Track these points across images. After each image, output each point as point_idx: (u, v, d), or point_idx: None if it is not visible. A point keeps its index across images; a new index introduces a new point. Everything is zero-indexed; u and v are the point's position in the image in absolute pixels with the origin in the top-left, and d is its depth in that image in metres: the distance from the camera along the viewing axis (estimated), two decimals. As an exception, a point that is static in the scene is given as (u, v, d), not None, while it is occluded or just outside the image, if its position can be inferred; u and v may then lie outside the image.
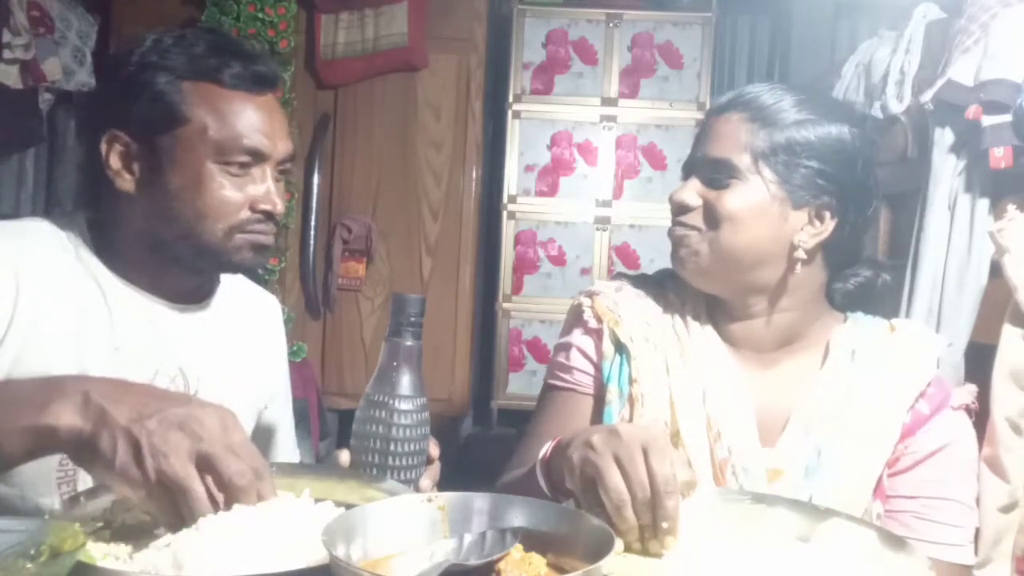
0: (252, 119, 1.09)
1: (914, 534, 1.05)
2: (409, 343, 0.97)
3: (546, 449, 1.00)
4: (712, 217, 1.11)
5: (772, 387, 1.13)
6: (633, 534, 0.84)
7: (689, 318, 1.17)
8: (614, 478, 0.84)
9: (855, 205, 1.11)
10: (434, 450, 1.01)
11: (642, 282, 1.23)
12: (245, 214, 1.10)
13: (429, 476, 0.99)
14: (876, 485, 1.08)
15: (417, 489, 0.97)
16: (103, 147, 1.09)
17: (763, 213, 1.10)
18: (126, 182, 1.09)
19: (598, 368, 1.18)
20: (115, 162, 1.09)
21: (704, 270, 1.13)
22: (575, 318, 1.22)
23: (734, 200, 1.10)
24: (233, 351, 1.22)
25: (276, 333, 1.35)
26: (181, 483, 0.77)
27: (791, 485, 1.07)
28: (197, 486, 0.77)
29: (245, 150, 1.08)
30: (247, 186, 1.10)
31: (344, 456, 0.98)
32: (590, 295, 1.21)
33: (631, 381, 1.14)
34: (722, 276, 1.13)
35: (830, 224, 1.10)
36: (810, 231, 1.10)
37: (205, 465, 0.78)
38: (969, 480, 1.12)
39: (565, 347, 1.22)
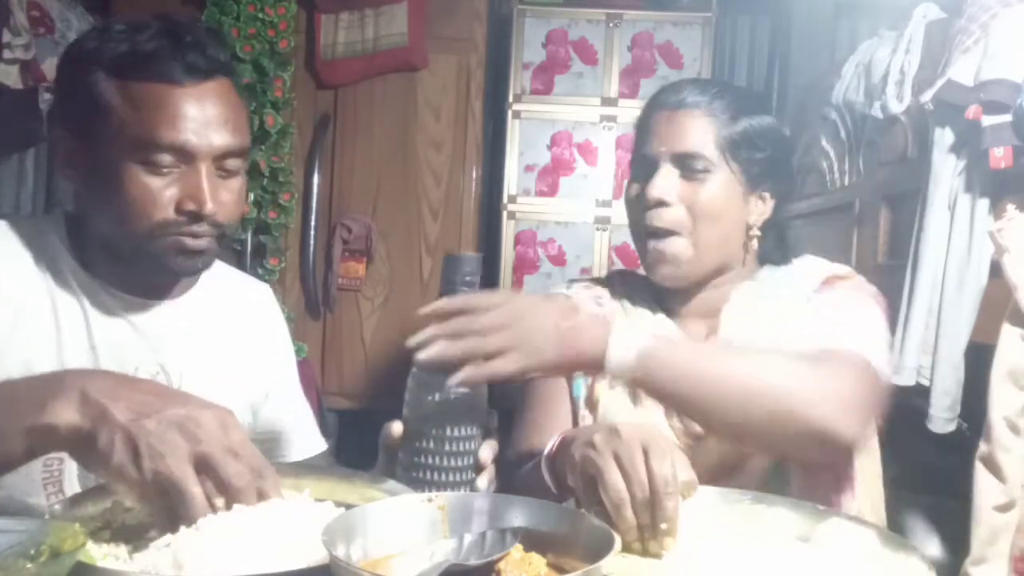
0: (175, 112, 1.01)
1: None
2: None
3: (551, 445, 1.00)
4: (693, 212, 1.19)
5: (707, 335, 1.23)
6: (632, 534, 0.84)
7: (639, 303, 1.28)
8: (614, 477, 0.84)
9: (785, 184, 1.27)
10: (488, 453, 0.94)
11: (591, 280, 1.37)
12: (169, 215, 1.03)
13: (487, 476, 0.94)
14: None
15: (472, 478, 0.93)
16: (54, 145, 1.08)
17: (734, 203, 1.21)
18: (69, 180, 1.07)
19: None
20: (60, 159, 1.07)
21: (687, 274, 1.22)
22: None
23: (714, 192, 1.19)
24: (218, 345, 1.19)
25: (270, 323, 1.31)
26: (178, 484, 0.76)
27: None
28: (194, 488, 0.76)
29: (164, 147, 1.01)
30: (174, 184, 1.03)
31: (396, 427, 0.96)
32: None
33: None
34: (700, 272, 1.23)
35: (770, 203, 1.24)
36: (757, 212, 1.24)
37: (203, 466, 0.77)
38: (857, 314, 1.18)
39: None
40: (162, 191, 1.02)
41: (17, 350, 1.03)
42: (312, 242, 3.16)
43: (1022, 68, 1.51)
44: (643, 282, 1.31)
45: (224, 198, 1.06)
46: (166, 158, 1.02)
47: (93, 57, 1.04)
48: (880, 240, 2.06)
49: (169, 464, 0.76)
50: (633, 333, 1.00)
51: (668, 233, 1.19)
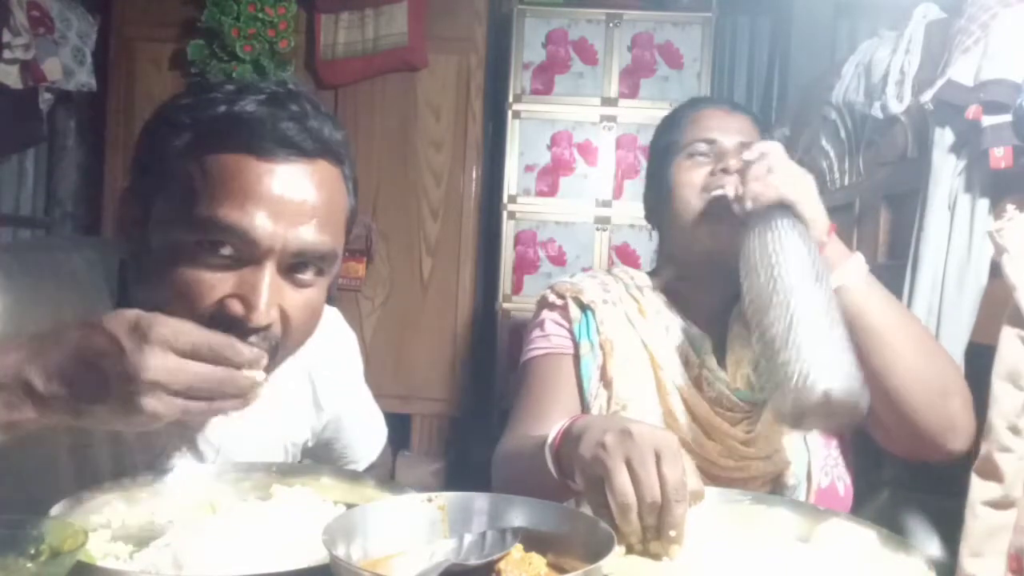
0: (249, 188, 0.80)
1: None
2: None
3: (555, 432, 0.99)
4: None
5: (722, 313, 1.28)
6: (635, 536, 0.84)
7: (647, 291, 1.33)
8: (622, 480, 0.83)
9: None
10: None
11: (593, 272, 1.41)
12: (217, 307, 0.81)
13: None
14: None
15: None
16: (119, 202, 0.90)
17: None
18: (131, 246, 0.89)
19: (570, 331, 1.30)
20: (121, 223, 0.89)
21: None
22: (541, 305, 1.38)
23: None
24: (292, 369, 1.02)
25: (340, 370, 1.17)
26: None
27: (744, 375, 1.22)
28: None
29: (223, 228, 0.79)
30: (229, 283, 0.81)
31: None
32: (550, 286, 1.37)
33: (598, 332, 1.28)
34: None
35: None
36: None
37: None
38: None
39: (538, 324, 1.35)
40: (212, 288, 0.81)
41: None
42: (312, 242, 3.15)
43: (1022, 68, 1.50)
44: (646, 279, 1.36)
45: (291, 310, 0.84)
46: (226, 245, 0.80)
47: (182, 117, 0.85)
48: (880, 240, 2.06)
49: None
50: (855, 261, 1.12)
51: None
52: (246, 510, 0.81)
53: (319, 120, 0.84)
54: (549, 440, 0.99)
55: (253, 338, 0.81)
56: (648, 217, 1.42)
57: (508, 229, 3.22)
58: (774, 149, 1.14)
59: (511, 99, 3.21)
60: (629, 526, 0.83)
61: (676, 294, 1.32)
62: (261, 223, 0.80)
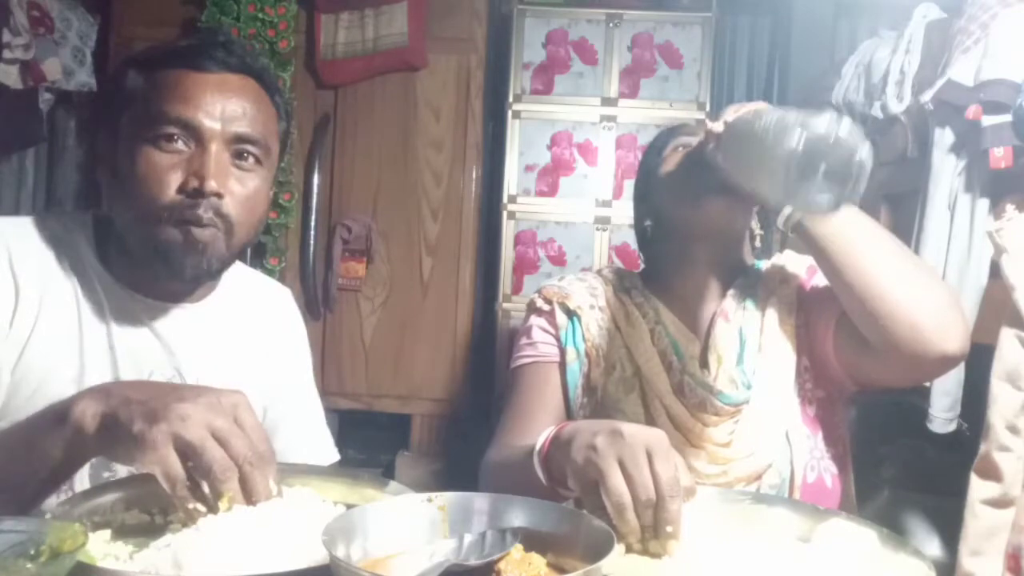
0: (190, 92, 1.03)
1: None
2: None
3: (543, 440, 0.99)
4: None
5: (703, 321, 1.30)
6: (634, 535, 0.84)
7: (634, 292, 1.34)
8: (616, 480, 0.84)
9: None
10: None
11: (581, 275, 1.40)
12: (173, 195, 1.02)
13: None
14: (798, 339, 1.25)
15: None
16: (97, 143, 1.10)
17: None
18: (102, 178, 1.10)
19: (557, 338, 1.31)
20: (96, 159, 1.11)
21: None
22: (529, 310, 1.38)
23: None
24: (235, 349, 1.20)
25: (288, 327, 1.31)
26: (195, 445, 0.79)
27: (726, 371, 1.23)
28: (215, 450, 0.79)
29: (172, 120, 1.02)
30: (182, 166, 1.03)
31: None
32: (538, 290, 1.38)
33: (584, 340, 1.29)
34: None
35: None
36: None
37: (217, 440, 0.81)
38: None
39: (525, 331, 1.36)
40: (168, 170, 1.02)
41: (40, 344, 1.04)
42: (312, 242, 3.16)
43: (1022, 68, 1.51)
44: (635, 277, 1.39)
45: (234, 188, 1.05)
46: (174, 132, 1.02)
47: (132, 61, 1.09)
48: (880, 240, 2.06)
49: (188, 427, 0.79)
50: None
51: None
52: (246, 510, 0.81)
53: (244, 51, 1.10)
54: (537, 447, 0.99)
55: (210, 211, 1.02)
56: (637, 226, 1.42)
57: (508, 229, 3.22)
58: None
59: (511, 99, 3.21)
60: (627, 525, 0.83)
61: (665, 292, 1.33)
62: (203, 114, 1.03)
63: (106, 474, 1.02)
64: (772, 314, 1.26)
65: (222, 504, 0.80)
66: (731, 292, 1.29)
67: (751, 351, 1.24)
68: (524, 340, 1.35)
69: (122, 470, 0.97)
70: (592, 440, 0.88)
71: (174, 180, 1.02)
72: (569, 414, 1.29)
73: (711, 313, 1.29)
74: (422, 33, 3.11)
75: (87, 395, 0.85)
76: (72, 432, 0.83)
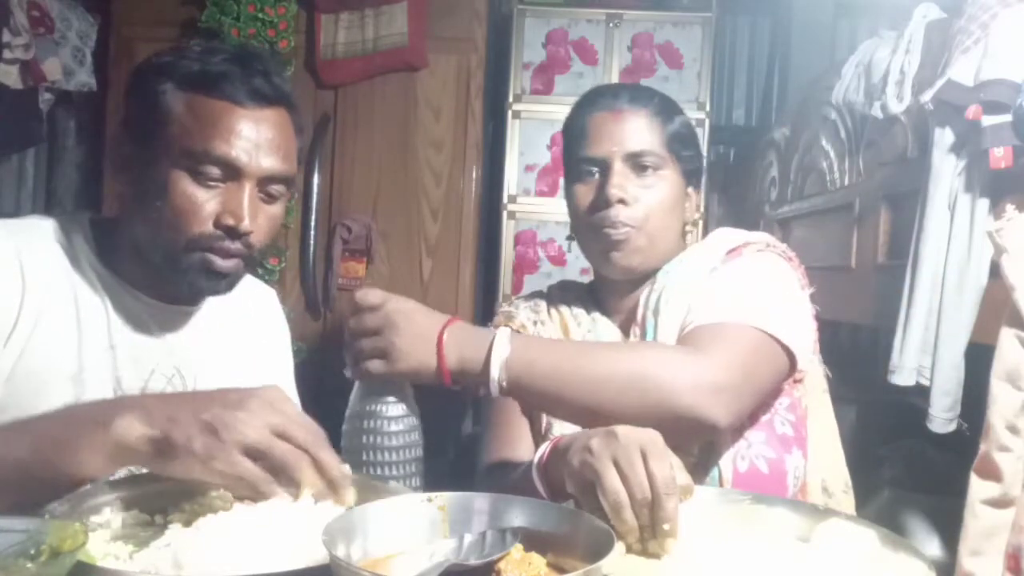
0: (231, 129, 1.05)
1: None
2: None
3: (542, 452, 1.02)
4: (645, 209, 1.25)
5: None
6: (633, 535, 0.84)
7: (574, 305, 1.36)
8: (612, 480, 0.84)
9: (701, 177, 1.36)
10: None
11: (529, 295, 1.45)
12: (207, 228, 1.06)
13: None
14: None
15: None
16: (110, 148, 1.13)
17: (678, 198, 1.29)
18: (120, 184, 1.10)
19: None
20: (116, 164, 1.10)
21: (640, 265, 1.28)
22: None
23: (665, 190, 1.26)
24: (230, 348, 1.23)
25: (274, 326, 1.35)
26: (265, 445, 0.81)
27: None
28: (281, 445, 0.82)
29: (213, 159, 1.04)
30: (217, 199, 1.06)
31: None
32: (497, 312, 1.41)
33: None
34: (651, 264, 1.28)
35: (696, 199, 1.33)
36: (690, 208, 1.32)
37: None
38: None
39: None
40: (205, 203, 1.05)
41: (40, 344, 1.05)
42: (312, 242, 3.16)
43: (1022, 68, 1.50)
44: (580, 288, 1.42)
45: (261, 221, 1.09)
46: (214, 171, 1.05)
47: (165, 70, 1.08)
48: (880, 240, 2.06)
49: (249, 432, 0.81)
50: (500, 345, 1.05)
51: (626, 227, 1.25)
52: (246, 510, 0.81)
53: (279, 77, 1.11)
54: (536, 460, 1.02)
55: (238, 243, 1.07)
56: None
57: (508, 229, 3.22)
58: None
59: (511, 99, 3.21)
60: (624, 525, 0.84)
61: (603, 300, 1.36)
62: (244, 154, 1.05)
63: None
64: (670, 317, 1.23)
65: (305, 491, 0.83)
66: (642, 297, 1.28)
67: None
68: None
69: (122, 470, 0.97)
70: (587, 442, 0.89)
71: (209, 214, 1.06)
72: (534, 429, 1.30)
73: (637, 318, 1.28)
74: (422, 33, 3.11)
75: (126, 411, 0.85)
76: (115, 447, 0.84)
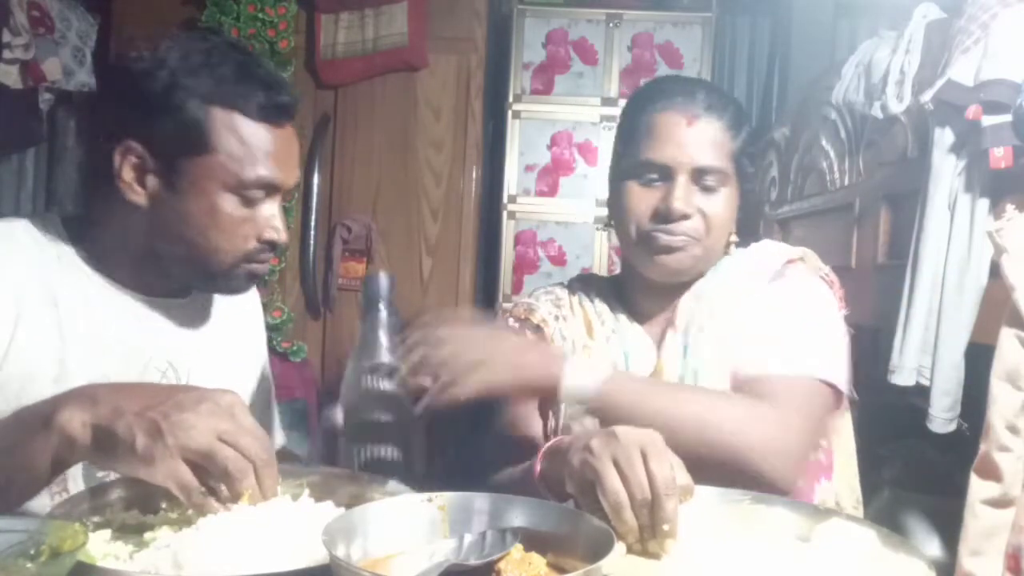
0: (271, 151, 1.09)
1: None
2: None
3: (541, 453, 1.01)
4: (706, 223, 1.21)
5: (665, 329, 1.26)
6: (633, 535, 0.84)
7: (597, 301, 1.32)
8: (612, 480, 0.84)
9: (753, 190, 1.32)
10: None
11: (550, 287, 1.39)
12: (253, 244, 1.10)
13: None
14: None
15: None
16: (116, 156, 1.06)
17: (734, 212, 1.25)
18: (137, 195, 1.07)
19: None
20: (127, 173, 1.07)
21: (687, 270, 1.24)
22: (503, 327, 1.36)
23: (726, 205, 1.22)
24: (218, 338, 1.23)
25: (255, 317, 1.36)
26: (207, 451, 0.79)
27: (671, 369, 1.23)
28: (226, 452, 0.80)
29: (262, 183, 1.08)
30: (256, 216, 1.10)
31: (338, 414, 1.06)
32: (509, 308, 1.40)
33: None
34: (698, 272, 1.26)
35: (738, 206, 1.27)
36: (735, 216, 1.27)
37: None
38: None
39: None
40: (245, 222, 1.09)
41: (20, 348, 1.04)
42: (312, 242, 3.16)
43: (1022, 68, 1.50)
44: (602, 283, 1.37)
45: (285, 227, 1.16)
46: (259, 193, 1.09)
47: (194, 85, 1.06)
48: (880, 240, 2.06)
49: (194, 436, 0.79)
50: (591, 364, 1.09)
51: (685, 237, 1.21)
52: (246, 510, 0.81)
53: (290, 91, 1.14)
54: (536, 459, 1.02)
55: (270, 254, 1.13)
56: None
57: (508, 229, 3.22)
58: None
59: (511, 99, 3.21)
60: (624, 525, 0.84)
61: (628, 298, 1.32)
62: (280, 174, 1.10)
63: (100, 474, 1.02)
64: (713, 334, 1.21)
65: (243, 501, 0.81)
66: (682, 301, 1.25)
67: (692, 366, 1.21)
68: None
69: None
70: (587, 442, 0.89)
71: (251, 231, 1.10)
72: (545, 425, 1.29)
73: (667, 321, 1.26)
74: (422, 33, 3.11)
75: (70, 401, 0.83)
76: (59, 440, 0.82)
